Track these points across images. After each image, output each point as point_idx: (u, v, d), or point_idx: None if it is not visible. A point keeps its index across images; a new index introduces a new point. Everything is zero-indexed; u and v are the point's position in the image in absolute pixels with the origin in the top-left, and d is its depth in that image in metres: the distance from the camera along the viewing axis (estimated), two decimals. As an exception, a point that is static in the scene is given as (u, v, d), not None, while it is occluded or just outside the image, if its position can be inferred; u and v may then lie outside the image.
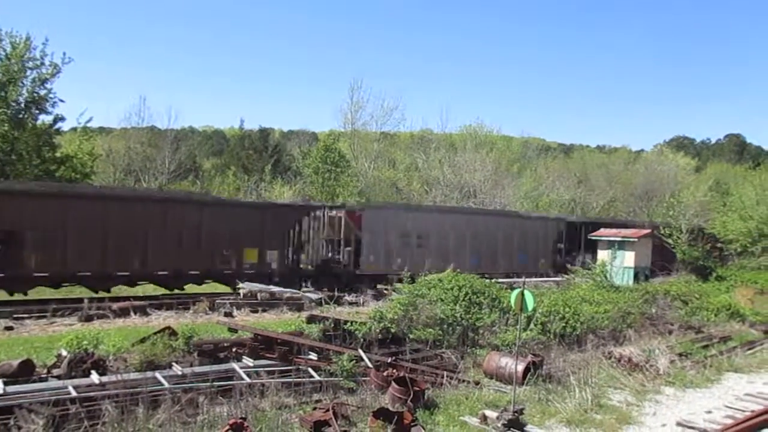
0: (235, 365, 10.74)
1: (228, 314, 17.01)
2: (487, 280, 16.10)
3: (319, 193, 38.17)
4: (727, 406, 10.62)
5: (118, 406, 7.97)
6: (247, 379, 9.96)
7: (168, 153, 42.82)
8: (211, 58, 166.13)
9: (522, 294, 9.41)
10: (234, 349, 11.71)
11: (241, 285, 19.60)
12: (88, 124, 31.80)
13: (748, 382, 12.54)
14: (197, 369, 10.39)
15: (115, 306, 16.56)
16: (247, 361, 11.16)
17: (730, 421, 9.47)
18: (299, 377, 10.54)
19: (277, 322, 15.92)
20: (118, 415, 7.75)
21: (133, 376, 9.61)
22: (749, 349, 15.55)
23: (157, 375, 9.64)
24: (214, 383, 9.44)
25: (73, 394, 8.61)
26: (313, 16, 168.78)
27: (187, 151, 51.21)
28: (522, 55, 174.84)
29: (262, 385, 9.59)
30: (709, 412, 10.29)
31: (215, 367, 10.60)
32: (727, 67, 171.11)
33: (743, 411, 10.18)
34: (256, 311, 17.91)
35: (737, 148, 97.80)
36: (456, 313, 13.71)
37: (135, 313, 16.44)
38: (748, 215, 32.78)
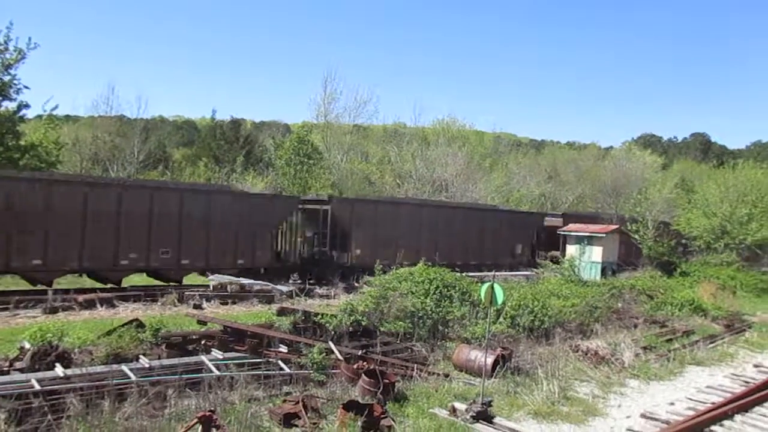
0: (204, 358, 10.63)
1: (197, 306, 16.83)
2: (458, 274, 16.21)
3: (291, 185, 37.89)
4: (689, 398, 10.89)
5: (83, 400, 7.83)
6: (217, 372, 9.87)
7: (137, 142, 42.03)
8: (182, 48, 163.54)
9: (492, 288, 9.50)
10: (203, 342, 11.60)
11: (210, 277, 19.41)
12: (54, 112, 31.00)
13: (710, 375, 12.88)
14: (165, 362, 10.26)
15: (80, 298, 16.24)
16: (217, 353, 11.06)
17: (691, 413, 9.72)
18: (269, 370, 10.48)
19: (247, 314, 15.81)
20: (83, 408, 7.62)
21: (99, 369, 9.45)
22: (711, 342, 15.94)
23: (124, 368, 9.49)
24: (183, 376, 9.33)
25: (37, 387, 8.42)
26: (287, 8, 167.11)
27: (157, 140, 50.34)
28: (495, 51, 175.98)
29: (232, 377, 9.52)
30: (672, 404, 10.54)
31: (184, 360, 10.47)
32: (694, 67, 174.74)
33: (704, 403, 10.46)
34: (226, 303, 17.76)
35: (702, 147, 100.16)
36: (427, 306, 13.79)
37: (101, 305, 16.14)
38: (711, 212, 33.58)
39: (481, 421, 8.54)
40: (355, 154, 47.09)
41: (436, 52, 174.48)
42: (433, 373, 10.94)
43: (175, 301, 17.19)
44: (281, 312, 14.12)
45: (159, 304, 17.03)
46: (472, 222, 29.06)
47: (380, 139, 52.72)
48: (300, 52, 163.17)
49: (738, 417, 9.79)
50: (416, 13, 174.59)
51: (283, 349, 11.61)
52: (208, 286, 19.01)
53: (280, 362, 10.88)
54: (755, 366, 13.93)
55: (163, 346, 11.10)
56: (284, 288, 19.53)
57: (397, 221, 25.84)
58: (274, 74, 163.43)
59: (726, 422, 9.51)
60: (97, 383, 8.50)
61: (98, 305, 16.12)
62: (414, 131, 50.52)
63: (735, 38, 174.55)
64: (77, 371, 9.22)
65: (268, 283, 19.79)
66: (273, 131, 59.35)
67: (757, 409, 10.33)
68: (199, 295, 17.88)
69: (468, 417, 8.58)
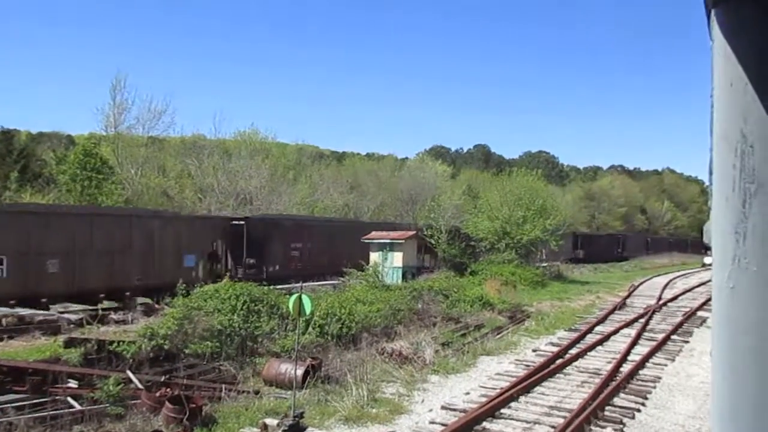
0: (-28, 405, 9.23)
1: (-38, 346, 14.55)
2: (266, 287, 16.05)
3: (78, 201, 34.48)
4: (482, 387, 11.95)
5: None
6: (-11, 419, 8.63)
7: None
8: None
9: (300, 298, 9.55)
10: (-29, 387, 10.07)
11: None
12: None
13: (498, 363, 14.25)
14: None
15: None
16: (-11, 398, 9.67)
17: (484, 399, 10.67)
18: (56, 409, 9.42)
19: (28, 349, 14.08)
20: None
21: None
22: (498, 333, 17.66)
23: None
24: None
25: None
26: (68, 13, 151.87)
27: None
28: (293, 59, 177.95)
29: (10, 423, 8.39)
30: (468, 393, 11.48)
31: (-55, 411, 8.99)
32: (472, 82, 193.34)
33: (494, 389, 11.55)
34: (1, 339, 15.60)
35: (484, 157, 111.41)
36: (234, 323, 13.44)
37: None
38: (494, 216, 37.28)
39: (293, 433, 8.53)
40: (151, 168, 44.26)
41: (235, 62, 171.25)
42: (243, 391, 10.69)
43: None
44: (69, 343, 12.76)
45: None
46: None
47: (179, 152, 50.25)
48: (84, 57, 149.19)
49: (522, 398, 10.97)
50: (210, 20, 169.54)
51: (74, 384, 10.51)
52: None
53: (69, 399, 9.83)
54: (533, 351, 15.73)
55: None
56: (73, 316, 17.70)
57: (306, 236, 30.87)
58: (53, 80, 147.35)
59: (513, 404, 10.59)
60: None
61: None
62: (215, 143, 48.96)
63: (505, 55, 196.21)
64: None
65: (54, 312, 17.81)
66: (54, 143, 53.68)
67: (536, 389, 11.67)
68: (-35, 332, 15.51)
69: None
